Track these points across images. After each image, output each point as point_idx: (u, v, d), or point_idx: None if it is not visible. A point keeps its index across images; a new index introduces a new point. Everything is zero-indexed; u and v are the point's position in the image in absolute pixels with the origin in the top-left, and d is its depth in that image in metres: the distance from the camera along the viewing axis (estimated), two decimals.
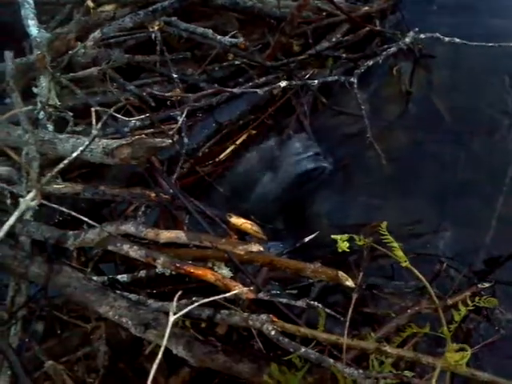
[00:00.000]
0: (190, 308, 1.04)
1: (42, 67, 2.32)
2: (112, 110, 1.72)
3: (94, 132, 1.64)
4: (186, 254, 1.95)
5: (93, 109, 1.67)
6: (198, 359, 1.63)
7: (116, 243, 1.64)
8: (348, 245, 1.74)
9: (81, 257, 2.17)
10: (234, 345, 1.83)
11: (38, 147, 2.07)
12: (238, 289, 1.53)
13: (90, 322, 1.86)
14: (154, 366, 1.00)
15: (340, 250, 1.74)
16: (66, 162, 1.68)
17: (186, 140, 2.39)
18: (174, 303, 1.02)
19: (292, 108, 2.74)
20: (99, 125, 1.64)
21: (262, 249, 1.46)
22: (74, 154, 1.68)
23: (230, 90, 2.45)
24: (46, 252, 1.91)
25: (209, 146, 2.59)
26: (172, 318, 1.00)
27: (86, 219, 1.59)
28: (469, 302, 1.66)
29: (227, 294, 1.19)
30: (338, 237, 1.75)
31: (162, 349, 0.98)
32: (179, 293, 1.04)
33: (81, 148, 1.70)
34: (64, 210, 1.63)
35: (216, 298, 1.15)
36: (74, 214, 1.57)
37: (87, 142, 1.69)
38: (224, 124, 2.62)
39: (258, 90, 2.33)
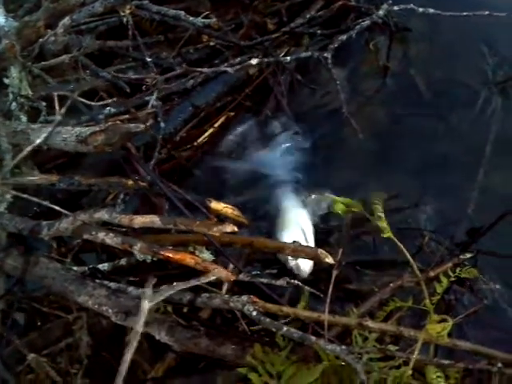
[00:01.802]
0: (164, 294, 1.02)
1: (12, 57, 2.26)
2: (76, 94, 1.68)
3: (58, 117, 1.60)
4: (166, 239, 1.93)
5: (55, 93, 1.62)
6: (180, 344, 1.62)
7: (91, 231, 1.61)
8: (344, 208, 1.74)
9: (61, 248, 2.15)
10: (217, 328, 1.82)
11: (11, 138, 2.03)
12: (216, 271, 1.51)
13: (72, 312, 1.83)
14: (129, 354, 0.98)
15: (335, 212, 1.73)
16: (29, 149, 1.64)
17: (162, 125, 2.35)
18: (149, 289, 1.00)
19: (270, 88, 2.71)
20: (63, 110, 1.60)
21: (236, 229, 1.45)
22: (37, 141, 1.64)
23: (199, 69, 2.40)
24: (23, 244, 1.89)
25: (186, 130, 2.56)
26: (146, 305, 0.98)
27: (58, 208, 1.56)
28: (450, 274, 1.65)
29: (203, 277, 1.17)
30: (336, 198, 1.74)
31: (137, 336, 0.97)
32: (154, 279, 1.02)
33: (44, 134, 1.66)
34: (35, 199, 1.59)
35: (192, 281, 1.13)
36: (45, 203, 1.54)
37: (50, 129, 1.65)
38: (201, 107, 2.58)
39: (228, 69, 2.29)
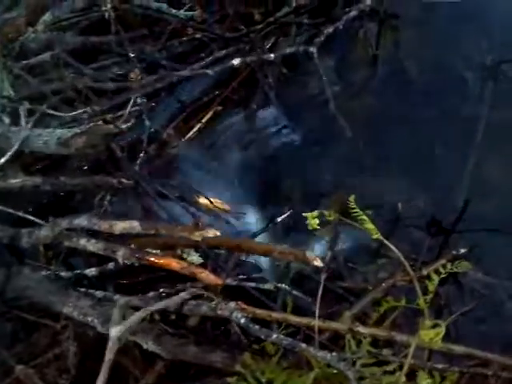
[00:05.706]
0: (131, 321, 0.98)
1: None
2: (44, 106, 1.61)
3: (27, 127, 1.54)
4: (153, 243, 1.88)
5: (24, 107, 1.57)
6: (168, 352, 1.58)
7: (72, 238, 1.57)
8: (318, 222, 1.69)
9: (48, 252, 2.11)
10: (207, 334, 1.78)
11: None
12: (203, 275, 1.47)
13: (59, 320, 1.79)
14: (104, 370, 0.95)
15: (311, 228, 1.69)
16: (9, 153, 1.59)
17: (147, 122, 2.30)
18: (121, 297, 0.96)
19: (257, 81, 2.64)
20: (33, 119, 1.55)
21: (218, 233, 1.41)
22: (15, 147, 1.59)
23: (177, 73, 2.31)
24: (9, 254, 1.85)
25: (174, 127, 2.51)
26: (115, 334, 0.94)
27: (32, 218, 1.51)
28: (441, 270, 1.61)
29: (186, 293, 1.12)
30: (308, 214, 1.69)
31: (110, 361, 0.93)
32: (124, 298, 0.98)
33: (20, 140, 1.61)
34: (7, 210, 1.54)
35: (174, 299, 1.09)
36: (19, 214, 1.48)
37: (27, 133, 1.59)
38: (187, 102, 2.53)
39: (208, 71, 2.21)
